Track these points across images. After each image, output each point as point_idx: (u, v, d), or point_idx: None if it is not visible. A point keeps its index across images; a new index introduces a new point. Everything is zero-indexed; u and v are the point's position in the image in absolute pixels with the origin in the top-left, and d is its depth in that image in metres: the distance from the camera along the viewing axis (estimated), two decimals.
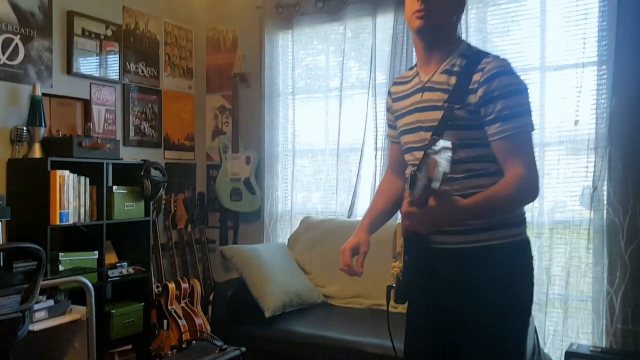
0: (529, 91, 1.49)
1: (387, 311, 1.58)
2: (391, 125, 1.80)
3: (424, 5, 1.49)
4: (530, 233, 2.90)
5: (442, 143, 1.19)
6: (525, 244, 1.58)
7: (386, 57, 3.38)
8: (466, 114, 1.47)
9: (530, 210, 2.96)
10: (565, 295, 2.89)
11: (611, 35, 2.75)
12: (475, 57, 1.51)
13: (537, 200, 2.92)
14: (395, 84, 1.75)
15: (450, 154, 1.16)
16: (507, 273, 1.51)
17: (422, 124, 1.57)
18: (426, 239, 1.53)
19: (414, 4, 1.51)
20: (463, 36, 3.06)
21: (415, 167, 1.54)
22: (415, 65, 1.67)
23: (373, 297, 3.03)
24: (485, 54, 1.53)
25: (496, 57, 1.51)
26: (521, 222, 1.58)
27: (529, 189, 1.44)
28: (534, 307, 2.89)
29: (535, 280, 2.91)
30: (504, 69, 1.46)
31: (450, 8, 1.54)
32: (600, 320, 2.79)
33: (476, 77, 1.46)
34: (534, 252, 2.88)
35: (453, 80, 1.51)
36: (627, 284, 2.72)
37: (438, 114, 1.51)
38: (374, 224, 1.76)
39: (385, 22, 3.39)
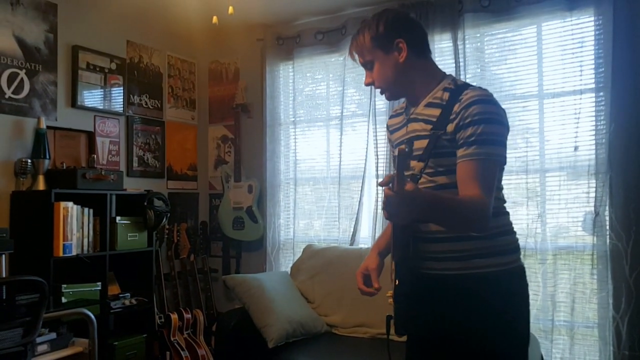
0: (505, 125, 1.49)
1: (388, 342, 1.57)
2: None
3: (375, 86, 1.62)
4: (534, 259, 2.94)
5: None
6: (521, 272, 1.57)
7: None
8: (446, 142, 1.50)
9: (534, 237, 2.96)
10: (571, 322, 2.87)
11: (607, 62, 2.79)
12: (458, 89, 1.53)
13: (539, 226, 2.95)
14: (391, 117, 1.80)
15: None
16: (503, 302, 1.50)
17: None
18: (418, 264, 1.53)
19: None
20: (461, 65, 3.14)
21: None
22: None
23: (377, 326, 3.01)
24: (467, 86, 1.54)
25: (477, 88, 1.52)
26: (515, 248, 1.57)
27: (481, 214, 1.41)
28: (540, 335, 2.88)
29: (540, 307, 2.93)
30: (481, 98, 1.47)
31: (391, 69, 1.58)
32: (607, 347, 2.75)
33: (455, 107, 1.48)
34: (539, 278, 2.92)
35: (436, 111, 1.53)
36: (633, 309, 2.70)
37: (421, 143, 1.54)
38: (387, 245, 1.74)
39: None
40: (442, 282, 1.53)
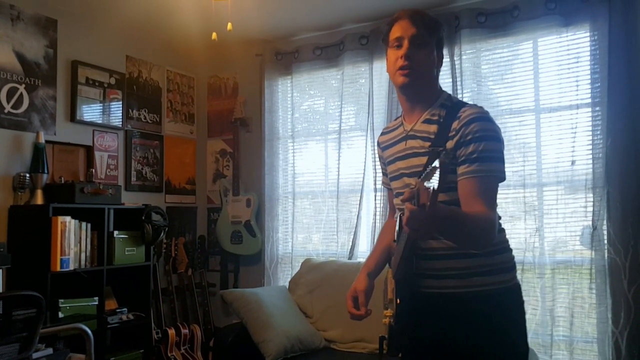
0: (502, 142, 1.51)
1: None
2: (384, 173, 1.85)
3: (407, 62, 1.54)
4: (532, 273, 2.93)
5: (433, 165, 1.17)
6: (517, 289, 1.59)
7: (383, 100, 3.44)
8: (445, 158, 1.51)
9: (532, 251, 2.96)
10: (570, 337, 2.85)
11: (603, 77, 2.81)
12: (454, 107, 1.57)
13: (537, 240, 2.95)
14: (382, 133, 1.81)
15: (437, 173, 1.14)
16: (503, 319, 1.51)
17: (405, 171, 1.62)
18: (417, 282, 1.53)
19: (397, 61, 1.56)
20: (457, 81, 3.16)
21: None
22: (401, 115, 1.74)
23: (376, 342, 2.95)
24: (464, 104, 1.58)
25: (473, 106, 1.55)
26: (513, 266, 1.59)
27: (489, 230, 1.42)
28: (539, 350, 2.86)
29: (539, 322, 2.91)
30: (480, 116, 1.50)
31: (431, 64, 1.59)
32: None
33: (454, 124, 1.51)
34: (537, 292, 2.91)
35: (434, 128, 1.55)
36: (632, 324, 2.69)
37: (420, 160, 1.56)
38: (377, 265, 1.77)
39: (381, 67, 3.47)
40: (441, 300, 1.53)
